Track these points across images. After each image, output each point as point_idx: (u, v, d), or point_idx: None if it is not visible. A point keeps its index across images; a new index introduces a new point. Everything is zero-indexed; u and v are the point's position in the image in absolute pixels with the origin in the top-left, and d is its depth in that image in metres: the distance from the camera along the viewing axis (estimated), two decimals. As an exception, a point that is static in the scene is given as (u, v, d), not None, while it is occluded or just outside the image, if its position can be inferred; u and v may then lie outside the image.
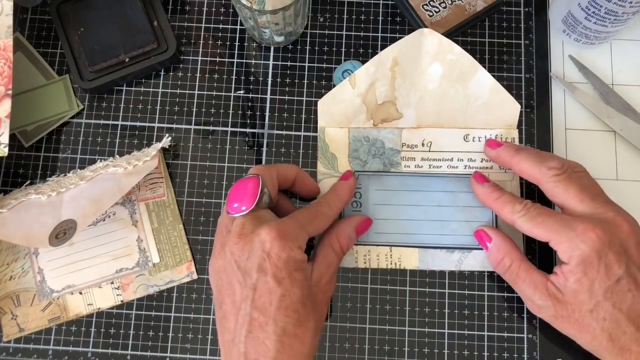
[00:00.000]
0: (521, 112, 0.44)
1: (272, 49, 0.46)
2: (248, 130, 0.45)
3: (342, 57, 0.46)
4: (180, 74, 0.46)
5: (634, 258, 0.34)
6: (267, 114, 0.45)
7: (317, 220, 0.37)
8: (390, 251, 0.41)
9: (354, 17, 0.47)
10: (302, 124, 0.44)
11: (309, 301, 0.34)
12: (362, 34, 0.46)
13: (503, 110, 0.42)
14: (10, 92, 0.39)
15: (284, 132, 0.44)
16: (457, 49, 0.41)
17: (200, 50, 0.46)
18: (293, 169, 0.40)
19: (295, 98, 0.45)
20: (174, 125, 0.45)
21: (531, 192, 0.43)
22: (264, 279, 0.32)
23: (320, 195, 0.42)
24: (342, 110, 0.42)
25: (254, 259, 0.33)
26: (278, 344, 0.32)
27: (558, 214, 0.36)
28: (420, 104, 0.42)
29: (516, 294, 0.39)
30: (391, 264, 0.41)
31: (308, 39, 0.46)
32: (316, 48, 0.46)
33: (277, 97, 0.45)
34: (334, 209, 0.38)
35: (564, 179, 0.36)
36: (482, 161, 0.42)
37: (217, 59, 0.46)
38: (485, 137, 0.42)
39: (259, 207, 0.35)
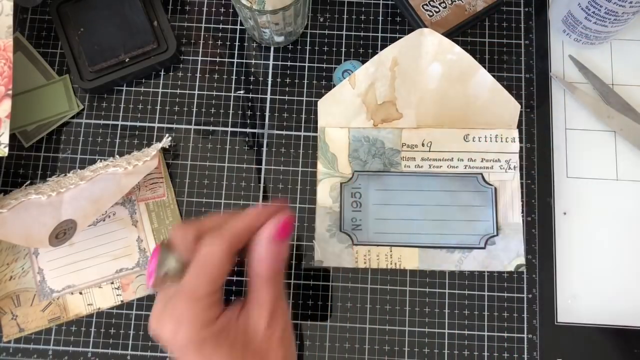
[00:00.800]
0: (521, 112, 0.44)
1: (272, 49, 0.46)
2: (248, 130, 0.45)
3: (342, 57, 0.46)
4: (180, 74, 0.46)
5: None
6: (267, 114, 0.45)
7: (222, 261, 0.30)
8: (390, 251, 0.41)
9: (354, 17, 0.47)
10: (302, 124, 0.44)
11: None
12: (362, 34, 0.46)
13: (503, 110, 0.42)
14: (10, 92, 0.39)
15: (284, 132, 0.44)
16: (457, 49, 0.41)
17: (200, 50, 0.46)
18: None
19: (295, 98, 0.45)
20: (174, 125, 0.45)
21: (531, 192, 0.43)
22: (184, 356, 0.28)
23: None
24: (342, 110, 0.42)
25: (169, 342, 0.29)
26: None
27: None
28: (420, 104, 0.42)
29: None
30: (391, 264, 0.41)
31: (308, 39, 0.46)
32: (316, 48, 0.46)
33: (277, 97, 0.45)
34: (241, 236, 0.31)
35: None
36: (482, 161, 0.42)
37: (217, 59, 0.46)
38: (486, 137, 0.42)
39: (164, 282, 0.30)
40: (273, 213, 0.31)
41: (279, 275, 0.32)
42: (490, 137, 0.42)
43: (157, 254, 0.30)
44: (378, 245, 0.41)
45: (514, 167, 0.42)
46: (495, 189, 0.42)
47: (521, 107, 0.43)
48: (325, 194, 0.42)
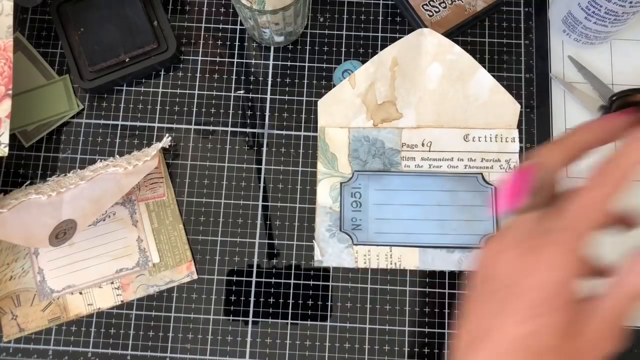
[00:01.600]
0: (521, 112, 0.44)
1: (272, 49, 0.46)
2: (248, 130, 0.45)
3: (342, 57, 0.46)
4: (180, 74, 0.46)
5: None
6: (267, 114, 0.45)
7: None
8: (390, 251, 0.41)
9: (354, 17, 0.47)
10: (302, 124, 0.45)
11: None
12: (362, 34, 0.46)
13: (503, 110, 0.42)
14: (10, 92, 0.39)
15: (284, 132, 0.44)
16: (457, 49, 0.41)
17: (200, 50, 0.46)
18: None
19: (295, 98, 0.45)
20: (174, 125, 0.45)
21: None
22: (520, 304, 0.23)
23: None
24: (342, 110, 0.42)
25: (529, 277, 0.23)
26: None
27: None
28: (420, 104, 0.42)
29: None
30: (391, 264, 0.41)
31: (308, 39, 0.46)
32: (316, 48, 0.46)
33: (277, 97, 0.45)
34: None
35: None
36: (482, 161, 0.42)
37: (217, 59, 0.46)
38: (486, 137, 0.42)
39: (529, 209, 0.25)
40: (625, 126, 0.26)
41: None
42: (490, 137, 0.42)
43: (533, 172, 0.24)
44: (378, 245, 0.41)
45: (514, 167, 0.42)
46: (495, 188, 0.42)
47: (521, 107, 0.43)
48: (325, 193, 0.42)
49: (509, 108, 0.42)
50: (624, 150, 0.25)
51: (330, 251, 0.41)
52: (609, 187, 0.25)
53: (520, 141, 0.43)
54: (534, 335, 0.22)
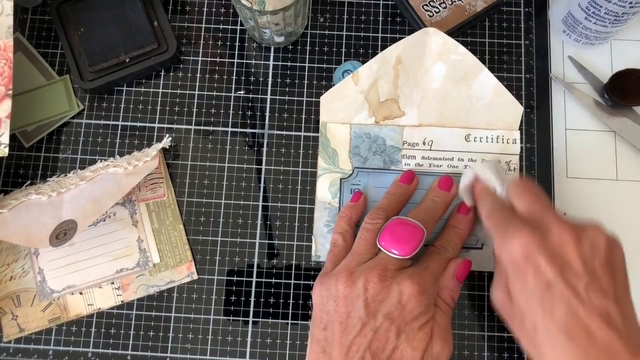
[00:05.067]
0: (521, 112, 0.44)
1: (272, 49, 0.46)
2: (248, 130, 0.45)
3: (342, 57, 0.46)
4: (180, 74, 0.46)
5: (574, 267, 0.30)
6: (267, 114, 0.45)
7: (443, 267, 0.36)
8: (391, 251, 0.41)
9: (354, 17, 0.47)
10: (302, 124, 0.45)
11: None
12: (362, 34, 0.46)
13: (505, 111, 0.42)
14: (10, 92, 0.39)
15: (284, 132, 0.44)
16: (462, 49, 0.41)
17: (200, 50, 0.46)
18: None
19: (295, 98, 0.45)
20: (174, 125, 0.45)
21: (531, 192, 0.43)
22: (387, 326, 0.32)
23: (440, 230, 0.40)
24: (344, 106, 0.42)
25: (386, 305, 0.33)
26: None
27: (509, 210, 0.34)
28: (422, 103, 0.42)
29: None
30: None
31: (308, 39, 0.46)
32: (316, 48, 0.46)
33: (277, 97, 0.45)
34: (456, 252, 0.38)
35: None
36: (482, 161, 0.42)
37: (217, 59, 0.46)
38: (487, 137, 0.42)
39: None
40: None
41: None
42: (492, 138, 0.42)
43: (421, 240, 0.36)
44: None
45: (514, 168, 0.42)
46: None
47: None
48: (325, 189, 0.42)
49: (512, 110, 0.42)
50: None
51: (327, 246, 0.41)
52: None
53: (520, 141, 0.43)
54: None
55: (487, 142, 0.42)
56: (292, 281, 0.42)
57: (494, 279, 0.35)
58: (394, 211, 0.38)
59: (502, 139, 0.42)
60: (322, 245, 0.41)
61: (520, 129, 0.44)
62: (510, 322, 0.33)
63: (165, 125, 0.45)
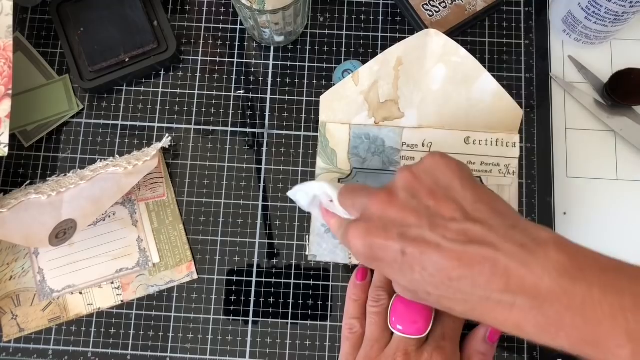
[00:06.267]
0: (521, 112, 0.44)
1: (272, 48, 0.46)
2: (248, 130, 0.45)
3: (342, 57, 0.46)
4: (180, 74, 0.46)
5: (407, 219, 0.28)
6: (267, 114, 0.45)
7: (459, 326, 0.36)
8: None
9: (354, 17, 0.47)
10: (302, 124, 0.45)
11: None
12: (362, 34, 0.46)
13: (505, 114, 0.42)
14: (10, 92, 0.39)
15: (284, 132, 0.44)
16: (463, 51, 0.41)
17: (200, 50, 0.46)
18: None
19: (295, 98, 0.45)
20: (174, 125, 0.45)
21: (531, 192, 0.43)
22: None
23: None
24: (343, 106, 0.42)
25: None
26: None
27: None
28: (422, 105, 0.42)
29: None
30: None
31: (308, 39, 0.46)
32: (316, 48, 0.46)
33: (277, 97, 0.45)
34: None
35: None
36: (481, 164, 0.42)
37: (217, 59, 0.46)
38: (486, 140, 0.42)
39: None
40: None
41: None
42: (491, 141, 0.42)
43: (431, 317, 0.35)
44: None
45: (513, 172, 0.42)
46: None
47: (521, 107, 0.43)
48: None
49: (512, 113, 0.42)
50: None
51: (325, 246, 0.41)
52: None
53: (521, 141, 0.43)
54: None
55: (486, 145, 0.42)
56: (292, 281, 0.42)
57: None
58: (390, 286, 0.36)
59: (502, 142, 0.42)
60: (318, 245, 0.41)
61: (521, 128, 0.44)
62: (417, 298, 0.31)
63: (165, 125, 0.45)
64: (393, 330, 0.35)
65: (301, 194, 0.38)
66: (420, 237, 0.27)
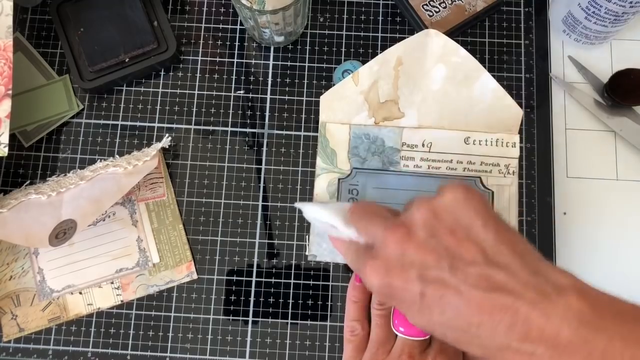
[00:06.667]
0: (521, 112, 0.44)
1: (272, 49, 0.46)
2: (248, 130, 0.45)
3: (342, 57, 0.46)
4: (180, 74, 0.46)
5: (427, 260, 0.27)
6: (267, 114, 0.45)
7: None
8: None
9: (354, 17, 0.47)
10: (302, 124, 0.45)
11: None
12: (362, 34, 0.46)
13: (505, 115, 0.42)
14: (10, 92, 0.39)
15: (284, 132, 0.44)
16: (463, 51, 0.41)
17: (200, 50, 0.46)
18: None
19: (295, 98, 0.45)
20: (174, 125, 0.45)
21: (531, 192, 0.43)
22: None
23: None
24: (343, 106, 0.42)
25: None
26: None
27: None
28: (422, 105, 0.42)
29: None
30: None
31: (308, 39, 0.46)
32: (316, 48, 0.46)
33: (277, 97, 0.45)
34: None
35: None
36: (481, 164, 0.42)
37: (217, 59, 0.46)
38: (486, 140, 0.42)
39: None
40: None
41: None
42: (491, 141, 0.42)
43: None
44: None
45: (513, 172, 0.42)
46: (493, 193, 0.41)
47: (521, 108, 0.43)
48: (323, 189, 0.42)
49: (512, 113, 0.42)
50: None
51: (325, 246, 0.41)
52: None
53: (521, 141, 0.43)
54: None
55: (486, 145, 0.42)
56: (292, 281, 0.42)
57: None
58: None
59: (502, 143, 0.42)
60: (318, 245, 0.41)
61: (521, 129, 0.44)
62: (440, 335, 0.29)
63: (165, 125, 0.45)
64: (396, 333, 0.35)
65: (308, 213, 0.36)
66: (440, 280, 0.27)
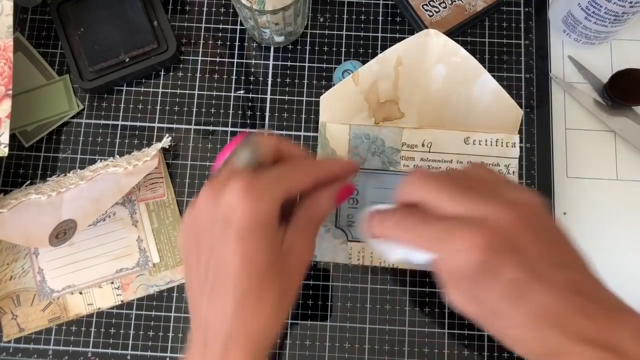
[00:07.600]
0: (521, 112, 0.44)
1: (272, 49, 0.46)
2: (248, 130, 0.45)
3: (342, 57, 0.46)
4: (180, 74, 0.46)
5: (529, 251, 0.27)
6: (267, 114, 0.45)
7: (298, 175, 0.31)
8: (389, 251, 0.41)
9: (354, 17, 0.47)
10: (302, 124, 0.45)
11: (275, 268, 0.29)
12: (362, 34, 0.46)
13: (505, 115, 0.42)
14: (10, 92, 0.39)
15: (284, 132, 0.44)
16: (463, 51, 0.41)
17: (200, 50, 0.46)
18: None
19: (295, 98, 0.45)
20: (174, 125, 0.45)
21: (531, 192, 0.43)
22: (225, 233, 0.28)
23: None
24: (343, 106, 0.42)
25: (219, 212, 0.29)
26: (237, 306, 0.28)
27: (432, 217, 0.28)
28: (422, 105, 0.42)
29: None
30: (385, 262, 0.41)
31: (308, 39, 0.46)
32: (316, 48, 0.46)
33: (277, 97, 0.45)
34: (320, 169, 0.32)
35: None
36: (481, 164, 0.42)
37: (217, 59, 0.46)
38: (486, 140, 0.42)
39: (236, 164, 0.31)
40: (340, 173, 0.33)
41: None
42: (491, 141, 0.42)
43: (238, 143, 0.31)
44: None
45: (513, 172, 0.42)
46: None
47: (521, 107, 0.43)
48: None
49: (511, 113, 0.42)
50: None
51: (325, 246, 0.41)
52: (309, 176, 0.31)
53: (520, 141, 0.43)
54: (246, 257, 0.28)
55: (486, 145, 0.42)
56: (292, 281, 0.42)
57: (444, 284, 0.29)
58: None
59: (501, 143, 0.42)
60: (318, 245, 0.41)
61: (520, 129, 0.44)
62: (481, 320, 0.28)
63: (165, 125, 0.45)
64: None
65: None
66: (534, 276, 0.27)
